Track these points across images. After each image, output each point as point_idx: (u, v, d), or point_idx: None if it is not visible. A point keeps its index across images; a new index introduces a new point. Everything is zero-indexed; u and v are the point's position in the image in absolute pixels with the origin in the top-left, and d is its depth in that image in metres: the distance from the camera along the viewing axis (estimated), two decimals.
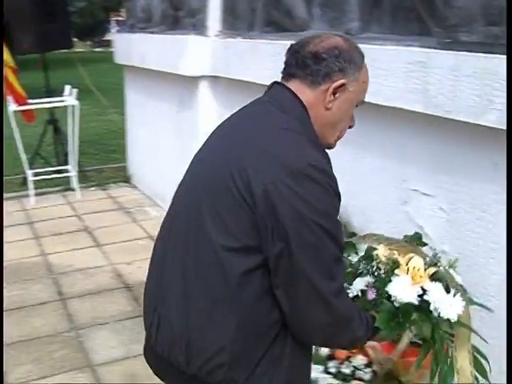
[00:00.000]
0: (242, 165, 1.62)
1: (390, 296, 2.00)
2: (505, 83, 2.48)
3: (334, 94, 1.75)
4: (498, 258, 2.72)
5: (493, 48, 2.63)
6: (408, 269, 2.07)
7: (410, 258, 2.11)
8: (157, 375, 1.94)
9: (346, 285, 1.94)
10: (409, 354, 2.13)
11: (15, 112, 6.72)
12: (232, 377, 1.70)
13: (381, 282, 2.05)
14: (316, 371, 2.41)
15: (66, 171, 7.27)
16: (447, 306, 2.00)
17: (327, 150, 1.80)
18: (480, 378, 2.12)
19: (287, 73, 1.82)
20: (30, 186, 6.83)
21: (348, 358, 2.47)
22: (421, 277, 2.05)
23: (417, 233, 2.49)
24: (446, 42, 2.87)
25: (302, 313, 1.68)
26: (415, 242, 2.40)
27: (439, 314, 1.99)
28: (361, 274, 2.07)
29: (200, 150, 1.94)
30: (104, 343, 3.86)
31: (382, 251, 2.17)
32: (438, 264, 2.17)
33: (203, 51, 5.09)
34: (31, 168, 6.96)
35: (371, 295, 2.02)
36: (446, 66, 2.75)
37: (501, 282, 2.72)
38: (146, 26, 6.68)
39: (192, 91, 5.38)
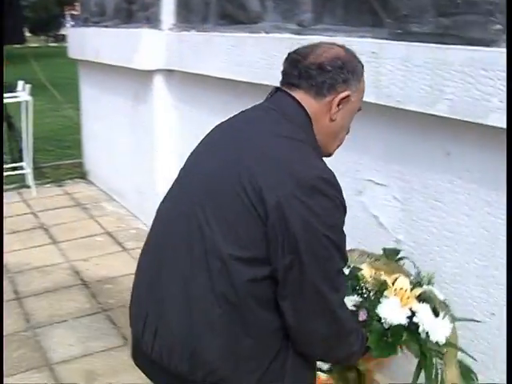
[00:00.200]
0: (251, 172, 1.63)
1: (380, 318, 2.07)
2: (455, 73, 2.51)
3: (338, 105, 1.78)
4: (452, 245, 2.76)
5: (443, 38, 2.66)
6: (395, 289, 2.15)
7: (396, 279, 2.20)
8: (152, 380, 1.93)
9: None
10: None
11: None
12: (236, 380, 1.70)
13: (370, 304, 2.12)
14: None
15: (21, 168, 7.13)
16: (436, 329, 2.09)
17: None
18: None
19: (288, 82, 1.82)
20: None
21: None
22: (408, 298, 2.14)
23: (394, 248, 2.59)
24: (397, 33, 2.89)
25: (307, 324, 1.70)
26: (393, 256, 2.50)
27: (427, 334, 2.07)
28: (347, 294, 2.10)
29: (196, 154, 1.93)
30: (62, 341, 3.81)
31: (367, 272, 2.24)
32: (422, 283, 2.26)
33: (157, 45, 5.05)
34: None
35: (362, 316, 2.09)
36: (397, 57, 2.77)
37: (455, 270, 2.76)
38: (100, 20, 6.61)
39: (147, 85, 5.34)
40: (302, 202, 1.59)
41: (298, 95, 1.78)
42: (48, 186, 7.27)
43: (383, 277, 2.23)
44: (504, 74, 2.32)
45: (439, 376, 2.10)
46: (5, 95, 6.96)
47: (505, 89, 2.33)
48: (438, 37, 2.68)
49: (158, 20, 5.16)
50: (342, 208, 1.68)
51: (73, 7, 26.72)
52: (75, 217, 6.16)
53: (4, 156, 7.48)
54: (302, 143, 1.73)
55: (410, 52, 2.72)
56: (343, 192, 1.71)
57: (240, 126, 1.86)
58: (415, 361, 2.13)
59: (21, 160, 7.20)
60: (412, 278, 2.30)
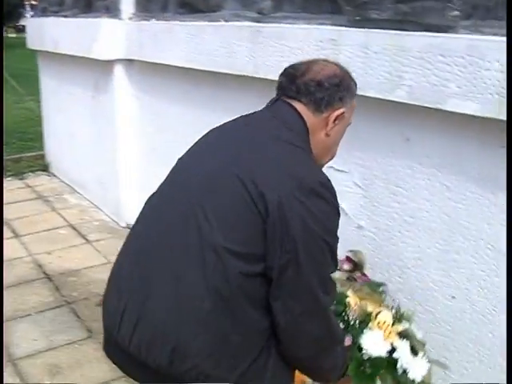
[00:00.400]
0: (252, 172, 1.67)
1: (361, 348, 2.19)
2: (414, 59, 2.52)
3: (334, 120, 1.86)
4: (413, 230, 2.79)
5: (402, 25, 2.67)
6: (378, 322, 2.28)
7: (379, 312, 2.32)
8: (126, 374, 1.93)
9: None
10: None
11: None
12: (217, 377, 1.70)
13: (354, 332, 2.23)
14: None
15: None
16: (414, 367, 2.21)
17: None
18: None
19: (286, 95, 1.88)
20: None
21: None
22: (390, 332, 2.26)
23: (377, 282, 2.67)
24: (356, 20, 2.90)
25: (298, 325, 1.72)
26: (377, 288, 2.60)
27: (405, 371, 2.19)
28: None
29: (192, 154, 1.94)
30: (25, 336, 3.76)
31: (352, 300, 2.36)
32: (402, 319, 2.37)
33: (117, 34, 4.99)
34: None
35: (348, 342, 2.18)
36: (356, 44, 2.77)
37: (416, 254, 2.78)
38: (59, 10, 6.51)
39: (107, 75, 5.28)
40: (302, 203, 1.63)
41: (298, 106, 1.84)
42: (9, 179, 7.15)
43: (368, 308, 2.35)
44: (462, 60, 2.34)
45: None
46: None
47: (462, 74, 2.35)
48: (396, 23, 2.69)
49: (117, 9, 5.10)
50: (337, 212, 1.74)
51: None
52: (37, 210, 6.08)
53: None
54: (301, 149, 1.80)
55: (369, 39, 2.73)
56: None
57: (240, 127, 1.92)
58: None
59: None
60: (393, 312, 2.40)
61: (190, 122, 4.32)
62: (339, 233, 1.76)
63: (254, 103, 3.66)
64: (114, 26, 5.02)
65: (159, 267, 1.75)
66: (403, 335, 2.29)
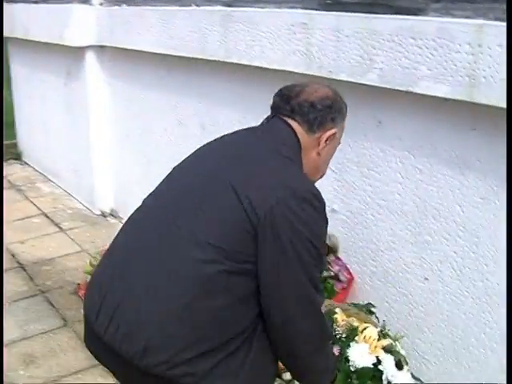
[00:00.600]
0: (247, 178, 1.76)
1: (348, 360, 2.36)
2: (385, 42, 2.52)
3: (326, 141, 1.94)
4: (385, 213, 2.80)
5: (373, 8, 2.66)
6: (364, 337, 2.45)
7: (366, 328, 2.51)
8: (102, 363, 1.94)
9: None
10: None
11: None
12: (190, 372, 1.70)
13: (341, 343, 2.41)
14: None
15: None
16: (399, 380, 2.37)
17: None
18: None
19: (281, 113, 1.95)
20: None
21: None
22: (375, 347, 2.43)
23: (364, 304, 2.84)
24: (327, 3, 2.89)
25: (294, 323, 1.78)
26: (365, 310, 2.79)
27: (390, 383, 2.36)
28: None
29: (188, 161, 2.02)
30: None
31: (340, 317, 2.57)
32: (387, 336, 2.55)
33: (88, 20, 4.92)
34: None
35: (336, 352, 2.37)
36: (327, 27, 2.77)
37: (389, 237, 2.80)
38: None
39: (79, 62, 5.22)
40: (294, 211, 1.71)
41: (294, 125, 1.92)
42: None
43: (355, 323, 2.52)
44: (433, 43, 2.35)
45: None
46: None
47: (433, 57, 2.35)
48: (367, 6, 2.69)
49: None
50: (325, 221, 1.83)
51: None
52: (10, 199, 6.00)
53: None
54: (295, 163, 1.88)
55: (340, 22, 2.72)
56: None
57: (239, 139, 2.00)
58: None
59: None
60: (379, 329, 2.57)
61: (163, 108, 4.28)
62: None
63: (225, 88, 3.67)
64: (84, 11, 4.95)
65: (141, 261, 1.79)
66: (388, 350, 2.44)
